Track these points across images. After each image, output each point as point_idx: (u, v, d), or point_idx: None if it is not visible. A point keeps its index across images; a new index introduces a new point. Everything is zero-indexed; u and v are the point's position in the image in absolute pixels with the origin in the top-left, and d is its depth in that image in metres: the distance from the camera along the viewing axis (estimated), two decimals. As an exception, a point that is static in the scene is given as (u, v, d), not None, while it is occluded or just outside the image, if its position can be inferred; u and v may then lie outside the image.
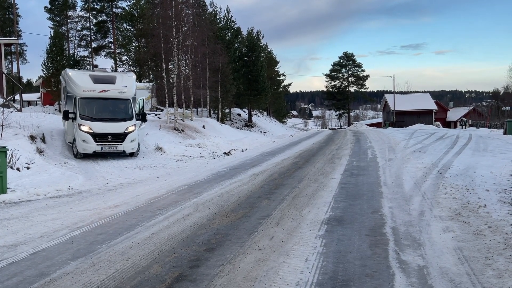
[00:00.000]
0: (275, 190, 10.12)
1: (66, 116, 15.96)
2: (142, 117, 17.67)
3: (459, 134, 27.84)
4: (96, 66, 46.58)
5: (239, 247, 5.95)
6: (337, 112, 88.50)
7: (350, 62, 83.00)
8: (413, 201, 8.60)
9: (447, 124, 68.08)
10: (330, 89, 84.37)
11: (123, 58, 45.28)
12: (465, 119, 60.78)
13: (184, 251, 5.85)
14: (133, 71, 40.03)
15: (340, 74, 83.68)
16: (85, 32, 51.07)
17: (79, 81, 16.33)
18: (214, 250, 5.86)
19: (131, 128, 16.25)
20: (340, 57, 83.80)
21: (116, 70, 44.90)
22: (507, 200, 8.31)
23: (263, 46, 55.17)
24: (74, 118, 15.74)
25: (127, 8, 43.39)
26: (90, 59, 49.88)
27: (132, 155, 16.62)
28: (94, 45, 50.66)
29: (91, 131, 15.43)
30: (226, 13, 46.46)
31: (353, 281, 4.77)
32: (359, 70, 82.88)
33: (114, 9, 49.29)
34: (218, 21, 44.75)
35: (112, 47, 49.63)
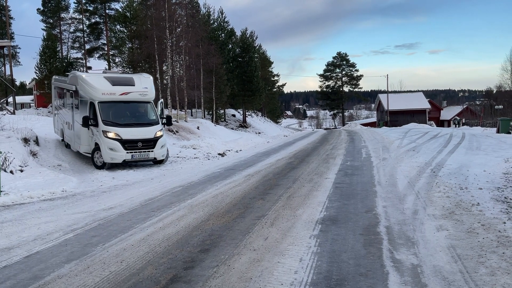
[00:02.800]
0: (270, 190, 10.12)
1: (86, 122, 14.45)
2: (167, 120, 16.07)
3: (453, 133, 27.98)
4: (90, 68, 46.44)
5: (234, 248, 5.96)
6: (332, 112, 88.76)
7: (344, 62, 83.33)
8: (407, 200, 8.64)
9: (440, 123, 68.39)
10: (324, 89, 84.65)
11: (117, 59, 45.09)
12: (458, 118, 61.08)
13: (179, 253, 5.85)
14: (126, 73, 39.92)
15: (334, 74, 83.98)
16: (78, 34, 50.90)
17: (97, 84, 14.90)
18: (208, 251, 5.86)
19: (159, 133, 15.07)
20: (334, 57, 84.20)
21: (109, 72, 44.71)
22: (500, 198, 8.36)
23: (257, 47, 55.27)
24: (95, 125, 14.43)
25: (120, 10, 43.18)
26: (84, 61, 49.73)
27: (161, 162, 15.39)
28: (87, 47, 50.50)
29: (119, 137, 14.14)
30: (220, 14, 46.51)
31: (348, 281, 4.79)
32: (353, 70, 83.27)
33: (107, 11, 49.15)
34: (211, 22, 44.77)
35: (106, 49, 49.46)
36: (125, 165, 14.94)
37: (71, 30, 51.07)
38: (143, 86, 15.67)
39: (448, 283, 4.65)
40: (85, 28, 50.12)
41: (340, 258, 5.51)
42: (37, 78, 42.12)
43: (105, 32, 49.40)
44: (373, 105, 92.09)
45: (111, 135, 14.15)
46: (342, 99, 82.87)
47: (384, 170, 12.60)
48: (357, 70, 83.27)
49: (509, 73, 49.98)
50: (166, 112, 29.92)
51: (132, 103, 15.46)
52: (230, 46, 47.17)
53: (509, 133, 27.65)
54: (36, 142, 16.45)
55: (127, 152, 14.15)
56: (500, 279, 4.69)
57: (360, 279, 4.82)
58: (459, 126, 50.67)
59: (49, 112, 40.56)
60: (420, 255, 5.53)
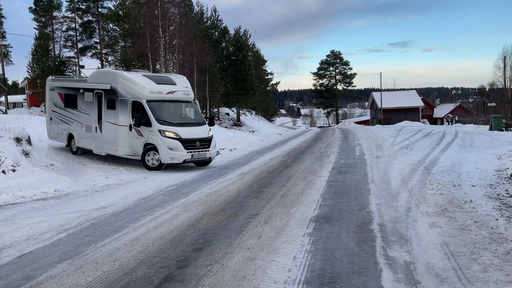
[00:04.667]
0: (264, 189, 10.12)
1: (139, 122, 13.81)
2: (210, 120, 15.59)
3: (446, 130, 28.12)
4: (83, 66, 46.23)
5: (227, 247, 5.95)
6: (325, 110, 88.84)
7: (338, 61, 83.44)
8: (400, 198, 8.67)
9: (433, 121, 68.70)
10: (318, 88, 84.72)
11: (110, 58, 44.86)
12: (451, 116, 61.40)
13: (172, 252, 5.83)
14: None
15: (328, 73, 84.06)
16: (70, 32, 50.54)
17: (143, 82, 14.36)
18: (202, 250, 5.85)
19: (211, 133, 14.74)
20: (327, 56, 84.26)
21: (102, 71, 44.52)
22: (493, 195, 8.41)
23: (251, 45, 55.12)
24: (146, 124, 13.81)
25: (112, 8, 42.93)
26: (76, 60, 49.47)
27: (209, 162, 14.86)
28: (80, 45, 50.17)
29: (179, 137, 13.61)
30: (213, 12, 46.35)
31: (341, 278, 4.80)
32: (347, 68, 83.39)
33: (99, 9, 48.85)
34: (205, 20, 44.61)
35: (98, 48, 49.20)
36: (181, 166, 14.54)
37: (64, 28, 50.74)
38: (184, 85, 15.36)
39: (441, 280, 4.66)
40: (77, 27, 49.82)
41: (334, 255, 5.51)
42: (29, 77, 41.83)
43: (97, 30, 49.12)
44: (366, 103, 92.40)
45: (169, 134, 13.62)
46: (336, 97, 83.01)
47: (378, 168, 12.63)
48: (350, 68, 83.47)
49: (501, 70, 50.20)
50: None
51: (177, 102, 15.15)
52: (224, 44, 47.04)
53: (502, 130, 27.85)
54: (29, 141, 16.33)
55: (188, 152, 13.68)
56: (492, 276, 4.71)
57: (353, 277, 4.83)
58: (452, 124, 50.92)
59: (41, 111, 40.37)
60: (413, 252, 5.54)
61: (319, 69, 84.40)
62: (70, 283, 4.89)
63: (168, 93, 14.61)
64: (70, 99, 16.76)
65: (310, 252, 5.65)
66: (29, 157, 14.66)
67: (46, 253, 5.96)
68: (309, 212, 7.77)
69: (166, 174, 13.14)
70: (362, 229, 6.66)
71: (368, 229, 6.62)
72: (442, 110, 75.06)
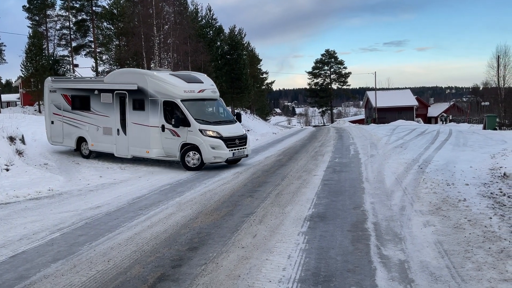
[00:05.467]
0: (258, 188, 10.12)
1: (178, 122, 13.42)
2: (237, 117, 15.35)
3: (440, 129, 28.23)
4: (77, 65, 45.95)
5: (222, 246, 5.95)
6: (320, 109, 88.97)
7: (332, 60, 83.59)
8: (394, 196, 8.70)
9: (428, 120, 68.92)
10: (313, 87, 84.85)
11: (104, 57, 44.67)
12: (445, 115, 61.65)
13: (167, 251, 5.81)
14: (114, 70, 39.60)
15: (323, 72, 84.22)
16: (64, 31, 50.26)
17: (175, 81, 14.07)
18: (197, 249, 5.84)
19: (244, 130, 14.84)
20: (322, 55, 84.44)
21: (97, 70, 44.40)
22: (487, 194, 8.46)
23: (245, 44, 55.16)
24: (184, 124, 13.46)
25: (107, 7, 42.72)
26: (70, 59, 49.19)
27: (238, 161, 14.56)
28: (74, 44, 49.89)
29: (220, 135, 13.44)
30: (208, 11, 46.30)
31: (335, 277, 4.81)
32: (341, 68, 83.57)
33: (94, 8, 48.63)
34: (199, 19, 44.55)
35: (92, 46, 48.98)
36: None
37: (57, 27, 50.43)
38: (210, 83, 15.22)
39: (435, 279, 4.68)
40: (71, 26, 49.56)
41: (328, 254, 5.52)
42: (23, 76, 41.57)
43: (91, 29, 48.91)
44: (361, 103, 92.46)
45: (211, 133, 13.44)
46: (330, 96, 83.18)
47: (372, 167, 12.67)
48: (345, 68, 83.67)
49: (495, 70, 50.38)
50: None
51: (207, 100, 14.96)
52: (219, 43, 46.99)
53: (496, 129, 27.99)
54: (22, 140, 16.25)
55: (230, 150, 13.54)
56: (486, 274, 4.74)
57: (348, 275, 4.84)
58: (446, 123, 51.13)
59: (35, 110, 40.18)
60: (407, 250, 5.56)
61: (314, 68, 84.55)
62: (64, 282, 4.87)
63: (199, 91, 14.43)
64: (80, 101, 16.03)
65: (305, 251, 5.65)
66: (22, 156, 14.59)
67: (40, 253, 5.93)
68: (304, 211, 7.78)
69: (160, 174, 13.11)
70: (357, 227, 6.67)
71: (363, 228, 6.64)
72: (436, 109, 75.33)
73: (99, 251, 5.92)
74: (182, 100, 13.74)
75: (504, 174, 10.08)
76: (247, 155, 14.54)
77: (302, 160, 14.87)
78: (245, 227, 6.85)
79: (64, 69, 45.36)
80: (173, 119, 13.58)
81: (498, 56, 49.78)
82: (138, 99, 14.35)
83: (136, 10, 31.62)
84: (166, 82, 13.96)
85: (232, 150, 13.60)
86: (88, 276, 5.03)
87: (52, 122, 16.80)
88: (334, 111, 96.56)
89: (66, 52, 50.37)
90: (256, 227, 6.80)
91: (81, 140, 16.07)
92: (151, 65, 31.73)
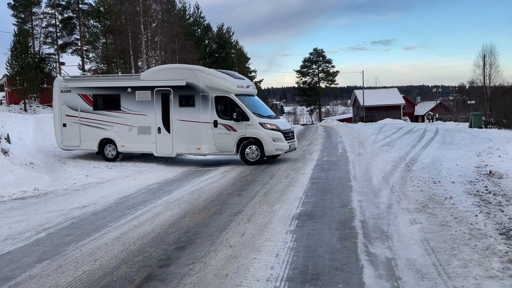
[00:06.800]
0: (247, 186, 10.11)
1: (239, 117, 13.53)
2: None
3: (426, 128, 28.44)
4: (63, 63, 45.54)
5: (210, 245, 5.93)
6: (309, 108, 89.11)
7: (320, 58, 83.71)
8: (381, 194, 8.74)
9: (414, 118, 69.50)
10: (301, 85, 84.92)
11: (90, 55, 44.36)
12: (432, 113, 62.18)
13: (154, 251, 5.78)
14: (101, 68, 39.34)
15: (311, 70, 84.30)
16: (50, 29, 49.79)
17: (226, 77, 14.33)
18: (184, 249, 5.82)
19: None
20: (310, 53, 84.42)
21: (83, 68, 44.02)
22: (472, 192, 8.54)
23: (234, 43, 55.08)
24: (243, 119, 13.57)
25: (93, 4, 42.41)
26: (56, 57, 48.74)
27: (278, 155, 14.62)
28: (60, 42, 49.49)
29: (278, 128, 13.88)
30: (196, 9, 46.18)
31: (323, 275, 4.82)
32: (329, 66, 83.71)
33: (80, 5, 48.24)
34: (187, 17, 44.42)
35: (79, 44, 48.59)
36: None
37: (43, 25, 49.93)
38: (248, 80, 15.72)
39: (422, 276, 4.71)
40: (57, 23, 49.10)
41: (316, 253, 5.53)
42: (8, 74, 41.05)
43: (78, 27, 48.51)
44: (349, 101, 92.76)
45: (270, 126, 13.81)
46: (318, 95, 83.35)
47: (360, 165, 12.72)
48: (333, 66, 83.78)
49: (481, 69, 51.04)
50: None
51: (251, 96, 15.13)
52: (207, 41, 46.94)
53: (481, 127, 28.31)
54: (8, 140, 16.05)
55: (287, 142, 14.02)
56: (472, 271, 4.78)
57: (335, 273, 4.85)
58: (432, 121, 51.57)
59: (21, 109, 39.70)
60: (394, 248, 5.59)
61: (302, 67, 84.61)
62: (49, 283, 4.82)
63: (247, 87, 14.83)
64: (106, 101, 15.29)
65: (293, 250, 5.66)
66: (8, 155, 14.41)
67: (25, 253, 5.86)
68: (292, 209, 7.79)
69: (148, 173, 13.04)
70: (344, 226, 6.69)
71: (350, 226, 6.66)
72: (423, 107, 76.00)
73: (86, 251, 5.86)
74: (238, 95, 14.01)
75: (490, 172, 10.18)
76: (295, 148, 15.08)
77: (291, 158, 14.89)
78: (233, 226, 6.84)
79: (50, 67, 44.90)
80: (234, 113, 13.69)
81: (484, 55, 50.41)
82: (186, 95, 14.17)
83: (123, 8, 31.41)
84: (221, 78, 14.13)
85: (289, 142, 14.10)
86: (74, 276, 4.98)
87: (64, 125, 15.49)
88: (322, 109, 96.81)
89: (52, 50, 49.96)
90: (244, 226, 6.79)
91: (104, 142, 15.24)
92: (139, 63, 31.56)
